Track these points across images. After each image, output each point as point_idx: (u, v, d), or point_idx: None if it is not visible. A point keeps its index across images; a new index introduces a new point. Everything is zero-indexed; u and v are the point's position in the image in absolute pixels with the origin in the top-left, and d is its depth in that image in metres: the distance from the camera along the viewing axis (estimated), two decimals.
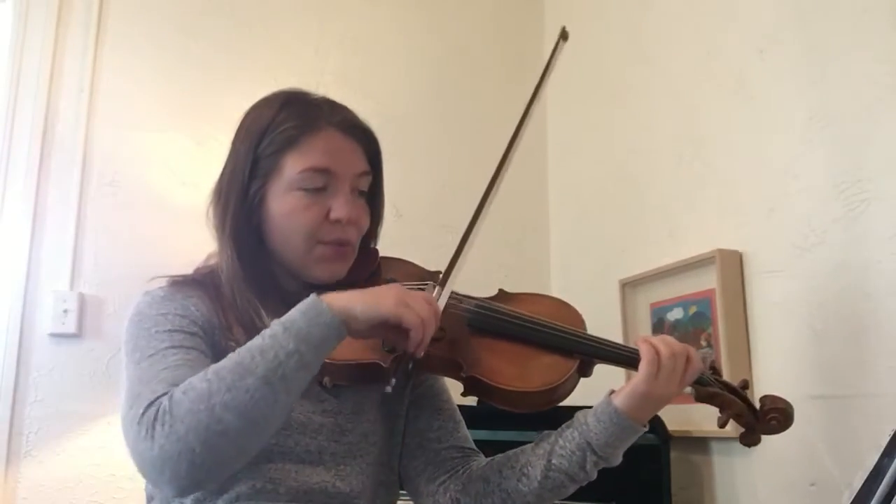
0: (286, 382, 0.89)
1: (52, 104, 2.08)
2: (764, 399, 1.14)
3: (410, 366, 1.06)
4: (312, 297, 0.94)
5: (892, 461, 0.90)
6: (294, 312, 0.94)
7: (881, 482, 0.89)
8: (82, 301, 2.02)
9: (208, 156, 2.08)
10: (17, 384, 1.94)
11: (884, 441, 0.93)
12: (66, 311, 1.99)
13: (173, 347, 0.99)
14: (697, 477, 1.74)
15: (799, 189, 1.52)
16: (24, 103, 2.05)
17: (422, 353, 0.98)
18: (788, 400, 1.14)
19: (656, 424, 1.70)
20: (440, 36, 2.53)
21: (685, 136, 1.87)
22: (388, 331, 0.96)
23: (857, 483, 0.92)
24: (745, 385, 1.15)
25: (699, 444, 1.74)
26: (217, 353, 1.03)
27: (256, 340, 0.92)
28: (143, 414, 0.89)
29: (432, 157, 2.41)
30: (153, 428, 0.87)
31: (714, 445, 1.71)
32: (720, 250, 1.65)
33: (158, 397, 0.90)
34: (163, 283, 1.11)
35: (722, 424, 1.14)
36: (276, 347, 0.90)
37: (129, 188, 2.11)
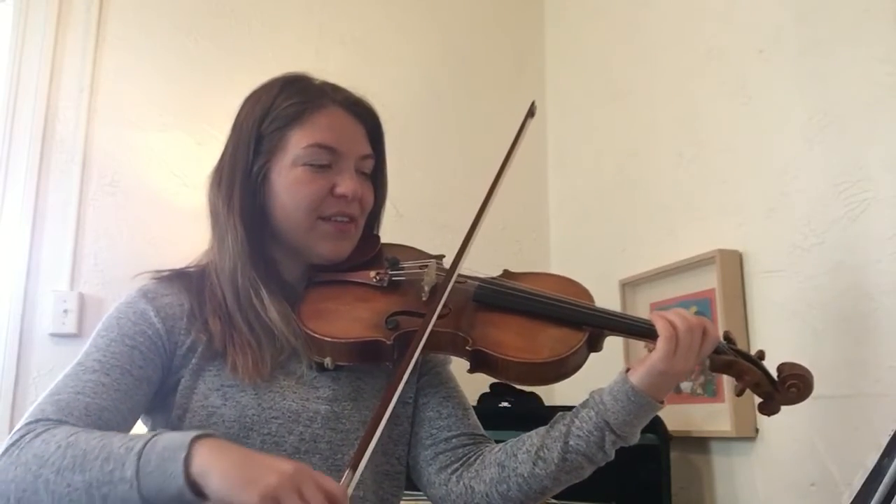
0: (105, 502, 0.85)
1: (52, 104, 2.08)
2: (782, 366, 1.08)
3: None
4: (191, 437, 0.85)
5: (892, 461, 0.90)
6: (164, 439, 0.86)
7: (881, 482, 0.89)
8: (82, 301, 2.02)
9: (208, 156, 2.03)
10: (17, 384, 1.94)
11: (884, 441, 0.93)
12: (66, 311, 1.99)
13: (99, 361, 1.00)
14: (697, 477, 1.74)
15: (799, 189, 1.52)
16: (24, 103, 2.05)
17: None
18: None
19: (656, 424, 1.70)
20: (440, 36, 2.53)
21: (685, 137, 1.87)
22: None
23: (857, 483, 0.92)
24: (762, 356, 1.11)
25: (699, 444, 1.74)
26: (180, 353, 1.05)
27: (118, 441, 0.87)
28: (20, 427, 0.92)
29: (432, 157, 2.41)
30: (7, 450, 0.90)
31: (714, 445, 1.71)
32: (720, 250, 1.65)
33: (35, 422, 0.92)
34: (146, 279, 1.12)
35: (739, 393, 1.10)
36: (119, 464, 0.85)
37: (129, 188, 2.11)
